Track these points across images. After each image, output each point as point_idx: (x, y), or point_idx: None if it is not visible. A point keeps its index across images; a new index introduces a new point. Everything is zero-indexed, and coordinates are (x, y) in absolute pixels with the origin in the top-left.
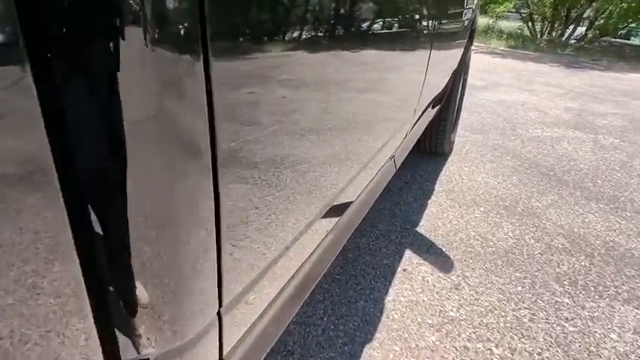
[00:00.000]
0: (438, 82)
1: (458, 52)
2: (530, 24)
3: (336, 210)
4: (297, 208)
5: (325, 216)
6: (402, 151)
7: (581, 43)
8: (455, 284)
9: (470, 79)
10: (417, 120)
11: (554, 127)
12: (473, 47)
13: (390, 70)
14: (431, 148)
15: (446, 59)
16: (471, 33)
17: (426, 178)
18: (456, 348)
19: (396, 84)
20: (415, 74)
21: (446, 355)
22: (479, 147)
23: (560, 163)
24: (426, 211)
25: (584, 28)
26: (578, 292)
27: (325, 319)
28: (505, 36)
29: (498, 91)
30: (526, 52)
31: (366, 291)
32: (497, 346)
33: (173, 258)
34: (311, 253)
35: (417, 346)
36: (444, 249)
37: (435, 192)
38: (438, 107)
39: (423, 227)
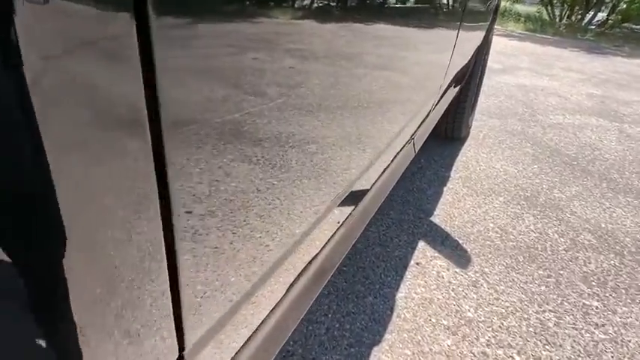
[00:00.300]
0: (463, 59)
1: (483, 30)
2: (549, 7)
3: (348, 202)
4: (297, 205)
5: (333, 211)
6: (422, 132)
7: (602, 29)
8: (473, 281)
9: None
10: (441, 98)
11: (576, 114)
12: None
13: (420, 42)
14: (447, 132)
15: (472, 36)
16: (495, 10)
17: (441, 163)
18: (473, 354)
19: (424, 57)
20: (444, 48)
21: None
22: (497, 132)
23: (584, 152)
24: (441, 199)
25: (605, 14)
26: (607, 295)
27: (330, 316)
28: (523, 19)
29: (517, 75)
30: (545, 36)
31: (376, 286)
32: (519, 354)
33: (109, 285)
34: (311, 259)
35: (430, 350)
36: (460, 241)
37: (450, 179)
38: (459, 87)
39: (438, 217)
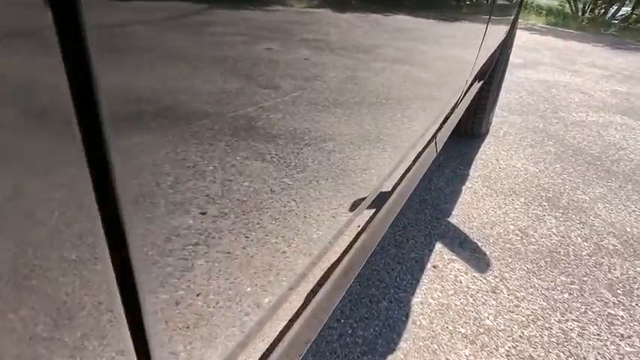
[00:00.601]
0: (488, 54)
1: (508, 24)
2: (571, 1)
3: (368, 205)
4: (313, 209)
5: (353, 215)
6: (445, 130)
7: (626, 23)
8: (492, 287)
9: None
10: (465, 94)
11: (599, 112)
12: None
13: (448, 36)
14: (467, 128)
15: (499, 30)
16: (520, 3)
17: (459, 161)
18: None
19: (452, 51)
20: (472, 42)
21: None
22: (517, 129)
23: (608, 152)
24: (460, 199)
25: (629, 8)
26: (634, 304)
27: (342, 321)
28: (544, 12)
29: (538, 70)
30: (567, 30)
31: (391, 290)
32: None
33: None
34: (331, 266)
35: None
36: (479, 244)
37: (469, 177)
38: (481, 82)
39: (456, 217)
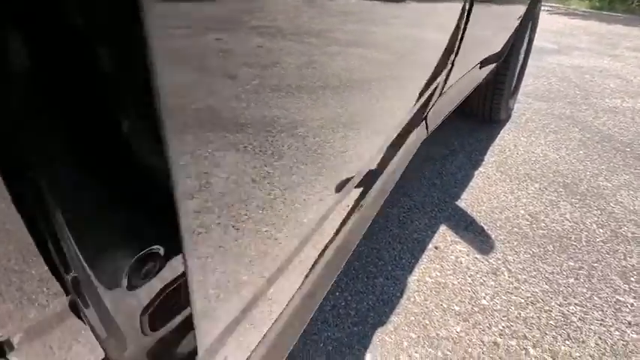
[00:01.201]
0: (491, 34)
1: (521, 5)
2: None
3: (354, 186)
4: (298, 194)
5: (340, 198)
6: (436, 111)
7: None
8: (493, 268)
9: (539, 42)
10: (459, 74)
11: (637, 98)
12: (547, 9)
13: (416, 9)
14: (484, 114)
15: (502, 10)
16: None
17: (475, 146)
18: (483, 342)
19: (421, 23)
20: (447, 20)
21: (470, 350)
22: (541, 116)
23: None
24: (471, 184)
25: None
26: None
27: (337, 293)
28: None
29: (572, 56)
30: (613, 13)
31: (388, 267)
32: (534, 347)
33: None
34: (322, 251)
35: (437, 335)
36: (485, 227)
37: (483, 163)
38: (492, 67)
39: (465, 201)
